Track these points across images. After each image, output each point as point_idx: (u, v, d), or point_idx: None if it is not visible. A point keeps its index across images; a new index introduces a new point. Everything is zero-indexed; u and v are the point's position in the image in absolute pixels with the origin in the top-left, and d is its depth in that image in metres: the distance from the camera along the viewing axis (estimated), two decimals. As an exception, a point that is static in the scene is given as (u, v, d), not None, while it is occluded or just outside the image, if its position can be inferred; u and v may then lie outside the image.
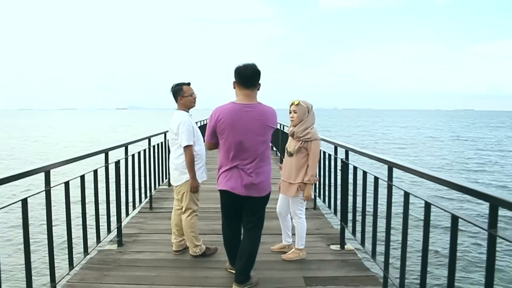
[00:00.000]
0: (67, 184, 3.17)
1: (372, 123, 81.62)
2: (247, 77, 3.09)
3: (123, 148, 4.71)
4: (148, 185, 5.91)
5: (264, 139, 3.13)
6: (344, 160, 4.28)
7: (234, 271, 3.35)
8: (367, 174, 3.67)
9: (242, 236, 3.34)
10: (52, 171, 2.90)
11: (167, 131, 4.35)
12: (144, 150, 5.73)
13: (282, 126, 10.86)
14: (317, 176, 4.49)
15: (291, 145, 3.91)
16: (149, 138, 5.92)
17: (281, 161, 11.04)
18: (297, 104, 3.80)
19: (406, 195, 2.82)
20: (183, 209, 3.99)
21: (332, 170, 4.94)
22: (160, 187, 7.04)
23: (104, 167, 4.08)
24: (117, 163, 4.36)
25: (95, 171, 3.78)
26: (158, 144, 6.67)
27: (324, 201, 5.44)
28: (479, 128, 61.56)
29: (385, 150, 28.32)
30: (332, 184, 4.98)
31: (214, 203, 6.03)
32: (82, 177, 3.49)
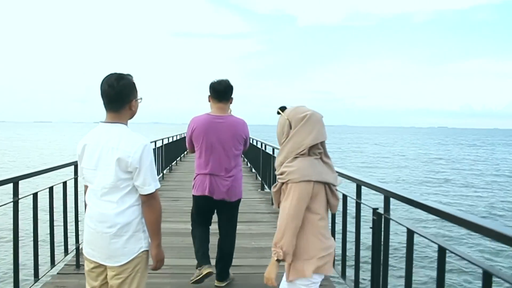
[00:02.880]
0: None
1: (343, 139, 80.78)
2: (221, 92, 3.29)
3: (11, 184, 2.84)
4: (75, 233, 4.00)
5: (234, 148, 3.31)
6: (380, 211, 2.55)
7: (200, 276, 3.30)
8: (447, 251, 1.93)
9: (218, 239, 3.51)
10: None
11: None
12: (64, 183, 3.80)
13: (263, 145, 9.12)
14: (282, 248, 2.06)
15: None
16: (75, 165, 3.97)
17: (262, 188, 9.09)
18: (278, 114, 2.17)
19: None
20: None
21: (350, 220, 3.21)
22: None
23: None
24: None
25: None
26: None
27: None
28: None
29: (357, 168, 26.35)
30: (348, 244, 3.24)
31: (171, 255, 4.13)
32: None
